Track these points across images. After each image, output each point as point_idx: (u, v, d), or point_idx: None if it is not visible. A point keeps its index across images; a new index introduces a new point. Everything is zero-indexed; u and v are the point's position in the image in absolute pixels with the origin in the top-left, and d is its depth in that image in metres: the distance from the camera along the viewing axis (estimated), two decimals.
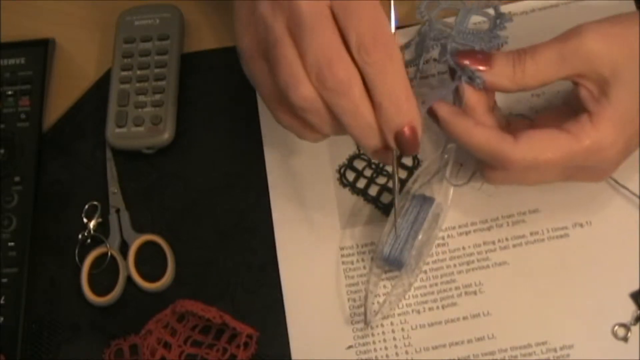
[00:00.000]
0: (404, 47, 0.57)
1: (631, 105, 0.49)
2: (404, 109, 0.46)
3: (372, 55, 0.45)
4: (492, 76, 0.50)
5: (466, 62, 0.50)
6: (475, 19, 0.54)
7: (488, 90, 0.51)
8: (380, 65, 0.46)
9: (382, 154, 0.49)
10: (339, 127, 0.48)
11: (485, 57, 0.50)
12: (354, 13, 0.46)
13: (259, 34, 0.48)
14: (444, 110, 0.51)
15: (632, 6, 0.60)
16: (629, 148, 0.51)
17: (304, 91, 0.46)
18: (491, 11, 0.54)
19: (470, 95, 0.51)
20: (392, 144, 0.48)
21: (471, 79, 0.50)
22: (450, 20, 0.54)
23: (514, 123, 0.54)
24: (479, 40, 0.52)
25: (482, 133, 0.50)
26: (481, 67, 0.50)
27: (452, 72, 0.52)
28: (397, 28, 0.62)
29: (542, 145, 0.49)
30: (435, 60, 0.57)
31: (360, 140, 0.48)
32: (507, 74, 0.50)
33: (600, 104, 0.49)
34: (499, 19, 0.53)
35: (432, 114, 0.51)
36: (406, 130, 0.47)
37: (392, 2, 0.48)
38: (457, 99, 0.51)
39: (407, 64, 0.57)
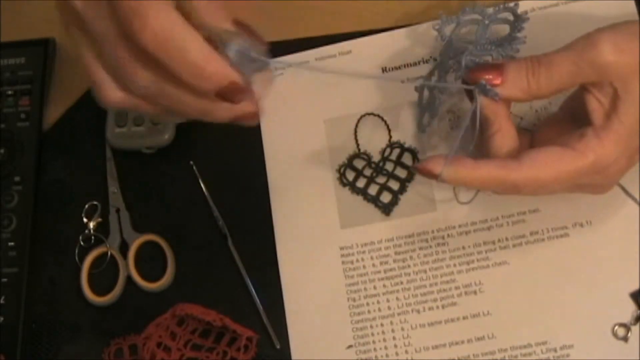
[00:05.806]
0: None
1: (636, 121, 0.48)
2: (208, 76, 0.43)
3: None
4: (506, 89, 0.49)
5: (479, 75, 0.49)
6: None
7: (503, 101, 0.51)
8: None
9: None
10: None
11: (497, 68, 0.49)
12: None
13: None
14: (438, 168, 0.49)
15: (632, 6, 0.60)
16: (629, 165, 0.51)
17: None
18: (510, 16, 0.53)
19: (488, 105, 0.50)
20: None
21: (486, 92, 0.50)
22: (471, 35, 0.54)
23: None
24: (497, 48, 0.52)
25: (484, 169, 0.49)
26: (494, 81, 0.49)
27: (469, 92, 0.51)
28: (399, 27, 0.63)
29: (547, 165, 0.49)
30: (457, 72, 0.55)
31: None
32: (521, 87, 0.49)
33: (609, 120, 0.48)
34: (517, 22, 0.53)
35: (428, 174, 0.50)
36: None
37: None
38: (474, 118, 0.51)
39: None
